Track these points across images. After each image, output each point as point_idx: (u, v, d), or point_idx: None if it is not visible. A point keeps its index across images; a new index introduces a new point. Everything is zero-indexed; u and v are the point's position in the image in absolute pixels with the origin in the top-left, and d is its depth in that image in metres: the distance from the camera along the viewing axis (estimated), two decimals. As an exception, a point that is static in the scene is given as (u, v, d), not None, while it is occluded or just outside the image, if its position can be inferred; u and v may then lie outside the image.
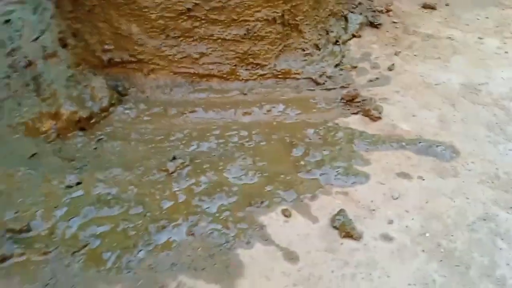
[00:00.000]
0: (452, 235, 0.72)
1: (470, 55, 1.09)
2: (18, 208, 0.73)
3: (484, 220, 0.76)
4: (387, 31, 1.18)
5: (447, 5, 1.34)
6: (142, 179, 0.79)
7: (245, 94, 0.97)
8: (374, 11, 1.30)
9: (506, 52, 1.11)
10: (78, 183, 0.79)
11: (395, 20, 1.25)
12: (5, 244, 0.69)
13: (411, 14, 1.28)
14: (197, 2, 0.92)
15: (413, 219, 0.74)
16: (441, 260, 0.70)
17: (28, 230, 0.71)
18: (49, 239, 0.71)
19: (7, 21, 1.27)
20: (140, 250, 0.70)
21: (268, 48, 1.00)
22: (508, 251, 0.71)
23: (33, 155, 0.86)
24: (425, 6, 1.34)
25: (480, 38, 1.17)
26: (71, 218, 0.73)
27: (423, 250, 0.71)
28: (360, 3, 1.30)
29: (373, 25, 1.21)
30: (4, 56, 1.12)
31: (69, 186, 0.79)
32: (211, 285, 0.65)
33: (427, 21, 1.24)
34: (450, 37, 1.16)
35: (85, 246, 0.70)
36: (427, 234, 0.72)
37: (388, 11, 1.30)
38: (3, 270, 0.67)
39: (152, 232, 0.70)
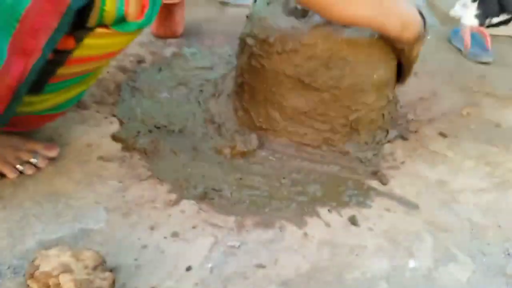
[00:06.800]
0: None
1: (448, 167, 1.89)
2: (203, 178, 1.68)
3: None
4: (410, 144, 2.02)
5: (456, 136, 2.14)
6: (270, 183, 1.70)
7: (322, 157, 1.88)
8: (408, 131, 2.16)
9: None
10: (241, 178, 1.73)
11: (417, 138, 2.09)
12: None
13: (429, 137, 2.09)
14: (308, 110, 1.86)
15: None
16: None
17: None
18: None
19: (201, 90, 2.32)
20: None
21: (340, 138, 1.91)
22: None
23: (219, 162, 1.81)
24: (441, 134, 2.16)
25: (463, 157, 1.97)
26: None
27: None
28: (401, 124, 2.18)
29: (403, 138, 2.05)
30: (203, 112, 2.16)
31: (237, 179, 1.73)
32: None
33: (436, 144, 2.01)
34: (445, 155, 1.96)
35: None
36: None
37: (416, 132, 2.15)
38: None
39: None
